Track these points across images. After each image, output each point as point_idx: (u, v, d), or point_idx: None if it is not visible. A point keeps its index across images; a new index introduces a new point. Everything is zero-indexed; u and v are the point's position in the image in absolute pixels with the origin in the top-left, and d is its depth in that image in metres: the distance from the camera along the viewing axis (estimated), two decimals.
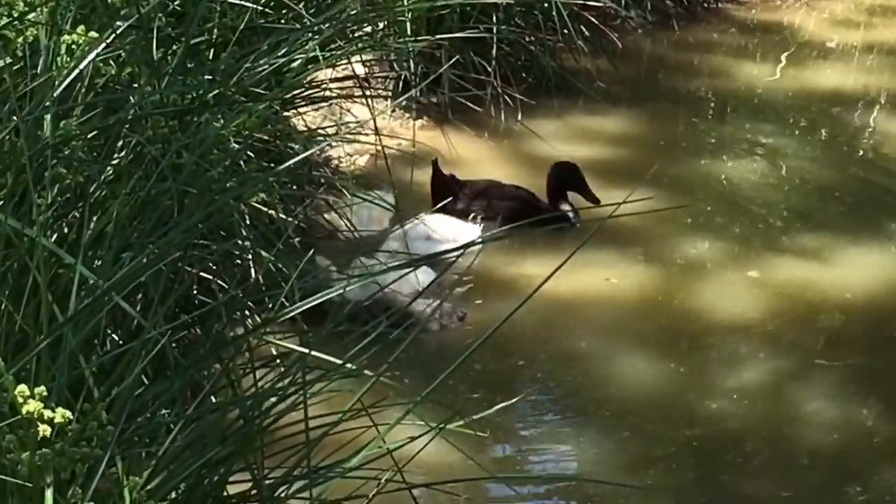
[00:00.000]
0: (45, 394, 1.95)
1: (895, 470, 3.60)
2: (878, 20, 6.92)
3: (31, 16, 2.80)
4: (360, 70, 4.76)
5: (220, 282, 3.17)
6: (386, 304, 3.49)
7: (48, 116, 2.70)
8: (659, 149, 5.35)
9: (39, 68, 2.80)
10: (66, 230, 2.77)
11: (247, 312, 2.98)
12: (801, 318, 4.24)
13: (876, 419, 3.80)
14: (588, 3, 5.71)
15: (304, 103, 4.17)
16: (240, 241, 3.22)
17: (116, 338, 2.63)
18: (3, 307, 2.34)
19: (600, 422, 3.72)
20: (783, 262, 4.54)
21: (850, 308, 4.32)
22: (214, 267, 3.20)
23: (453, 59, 4.81)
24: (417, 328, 2.55)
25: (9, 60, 2.81)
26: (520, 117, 5.34)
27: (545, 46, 5.55)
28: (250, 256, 3.24)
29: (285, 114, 3.97)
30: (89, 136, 2.82)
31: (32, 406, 1.90)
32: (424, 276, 3.66)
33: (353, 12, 3.94)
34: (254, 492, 2.40)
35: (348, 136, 4.25)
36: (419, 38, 4.86)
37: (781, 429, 3.74)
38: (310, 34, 3.63)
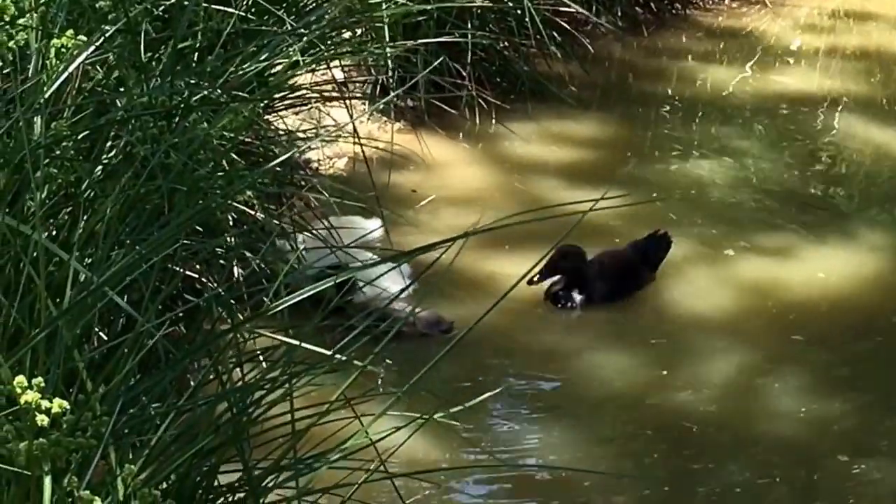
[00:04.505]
0: (42, 384, 2.00)
1: (859, 460, 3.68)
2: (840, 25, 7.03)
3: (21, 20, 2.85)
4: (339, 75, 4.83)
5: (206, 280, 3.23)
6: (369, 301, 3.55)
7: (39, 118, 2.76)
8: (629, 151, 5.44)
9: (30, 71, 2.86)
10: (54, 232, 2.82)
11: (233, 309, 3.03)
12: (767, 315, 4.32)
13: (840, 412, 3.88)
14: (560, 9, 5.80)
15: (284, 107, 4.24)
16: (228, 239, 3.28)
17: (105, 336, 2.68)
18: None
19: (574, 415, 3.79)
20: (750, 261, 4.62)
21: (816, 305, 4.40)
22: (199, 266, 3.26)
23: (430, 65, 4.87)
24: (400, 323, 2.61)
25: (0, 64, 2.87)
26: (494, 121, 5.43)
27: (519, 51, 5.63)
28: (236, 254, 3.30)
29: (267, 117, 4.03)
30: (79, 136, 2.88)
31: (30, 396, 1.94)
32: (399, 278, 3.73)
33: (332, 18, 4.01)
34: (243, 481, 2.45)
35: (328, 138, 4.31)
36: (396, 43, 4.93)
37: (748, 422, 3.82)
38: (291, 39, 3.69)
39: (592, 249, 4.52)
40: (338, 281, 2.45)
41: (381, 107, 5.17)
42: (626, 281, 4.37)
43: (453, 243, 2.31)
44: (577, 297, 4.28)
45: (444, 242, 2.33)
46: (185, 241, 2.91)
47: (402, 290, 2.81)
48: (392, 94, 5.02)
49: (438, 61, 4.86)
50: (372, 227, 4.21)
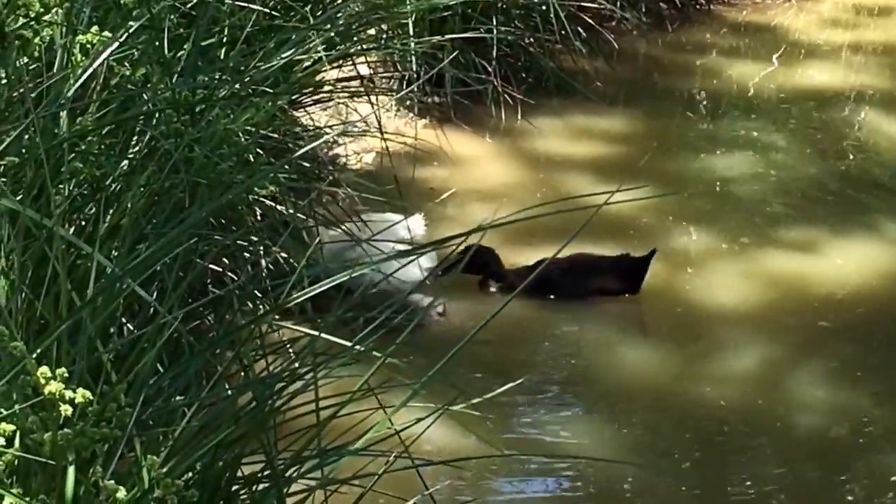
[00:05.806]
0: (66, 375, 2.01)
1: (883, 451, 3.69)
2: (864, 20, 7.02)
3: (47, 17, 2.88)
4: (365, 70, 4.85)
5: (230, 273, 3.25)
6: (388, 293, 3.56)
7: (64, 113, 2.79)
8: (654, 146, 5.44)
9: (55, 67, 2.89)
10: (83, 223, 2.85)
11: (256, 301, 3.05)
12: (792, 309, 4.32)
13: (866, 405, 3.88)
14: (584, 4, 5.81)
15: (311, 102, 4.26)
16: (250, 232, 3.30)
17: (131, 328, 2.70)
18: (24, 295, 2.42)
19: (599, 406, 3.81)
20: (775, 254, 4.63)
21: (840, 298, 4.40)
22: (225, 259, 3.29)
23: (453, 58, 4.89)
24: (420, 314, 2.61)
25: (26, 60, 2.90)
26: (520, 117, 5.44)
27: (544, 47, 5.64)
28: (260, 248, 3.32)
29: (294, 113, 4.05)
30: (104, 131, 2.91)
31: (54, 387, 1.96)
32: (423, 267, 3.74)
33: (356, 14, 4.03)
34: (266, 471, 2.46)
35: (353, 134, 4.33)
36: (422, 39, 4.95)
37: (775, 413, 3.82)
38: (314, 35, 3.71)
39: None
40: (353, 275, 2.46)
41: (408, 103, 5.19)
42: (577, 283, 4.36)
43: (469, 236, 2.31)
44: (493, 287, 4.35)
45: (459, 236, 2.34)
46: (210, 235, 2.93)
47: (421, 282, 2.81)
48: (414, 85, 5.04)
49: (463, 57, 4.88)
50: (404, 223, 4.23)
